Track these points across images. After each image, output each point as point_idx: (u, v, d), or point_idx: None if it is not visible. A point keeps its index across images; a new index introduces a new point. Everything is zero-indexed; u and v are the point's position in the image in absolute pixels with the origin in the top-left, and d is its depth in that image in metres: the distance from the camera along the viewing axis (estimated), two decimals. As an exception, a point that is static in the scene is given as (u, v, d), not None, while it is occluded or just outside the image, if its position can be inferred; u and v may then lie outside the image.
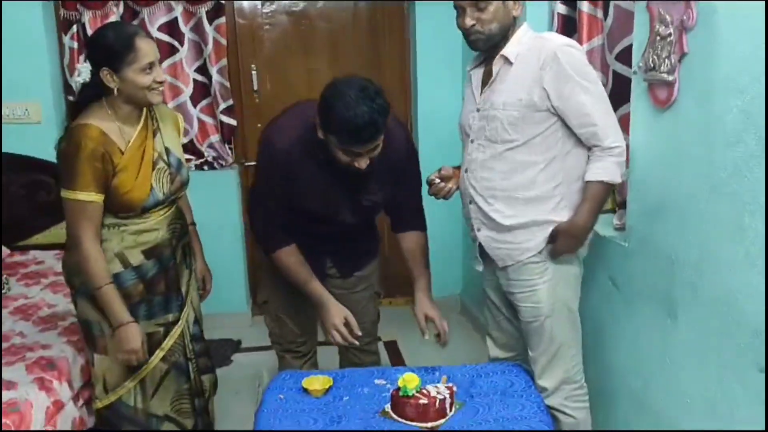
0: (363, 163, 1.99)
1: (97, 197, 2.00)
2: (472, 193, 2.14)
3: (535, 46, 2.00)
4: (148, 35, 2.03)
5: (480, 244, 2.18)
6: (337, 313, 2.18)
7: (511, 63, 2.02)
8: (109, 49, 1.97)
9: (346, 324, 2.18)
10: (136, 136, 2.07)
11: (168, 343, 2.21)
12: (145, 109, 2.11)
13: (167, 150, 2.16)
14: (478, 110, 2.10)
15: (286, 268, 2.21)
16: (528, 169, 2.03)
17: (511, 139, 2.02)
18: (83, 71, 2.10)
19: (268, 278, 2.42)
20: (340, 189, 2.13)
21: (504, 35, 2.03)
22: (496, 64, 2.05)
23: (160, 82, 2.03)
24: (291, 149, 2.08)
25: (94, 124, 1.99)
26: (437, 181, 2.19)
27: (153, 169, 2.09)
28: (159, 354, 2.19)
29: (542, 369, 2.15)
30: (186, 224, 2.30)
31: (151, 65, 1.99)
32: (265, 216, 2.19)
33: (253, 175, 2.22)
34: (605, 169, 1.97)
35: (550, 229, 2.04)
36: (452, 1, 2.04)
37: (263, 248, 2.25)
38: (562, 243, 2.03)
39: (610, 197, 2.41)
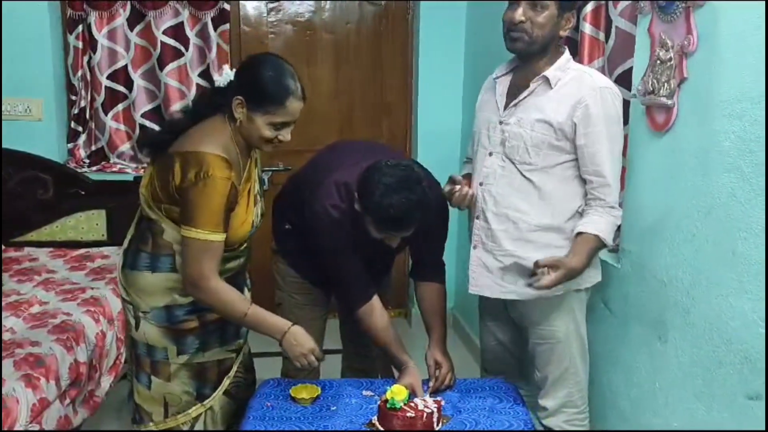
0: (394, 243, 2.08)
1: (223, 235, 1.86)
2: (484, 208, 2.09)
3: (578, 79, 1.96)
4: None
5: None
6: (412, 380, 2.12)
7: (550, 86, 1.98)
8: (258, 87, 1.84)
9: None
10: (247, 168, 1.97)
11: (233, 369, 2.15)
12: None
13: (259, 179, 2.07)
14: (500, 122, 2.05)
15: (371, 328, 2.19)
16: (540, 195, 2.00)
17: (530, 161, 1.98)
18: (226, 76, 1.92)
19: (282, 282, 2.44)
20: (376, 246, 2.13)
21: (544, 48, 1.97)
22: (535, 82, 1.99)
23: (282, 141, 1.91)
24: (343, 218, 2.09)
25: (224, 157, 1.83)
26: (457, 188, 2.10)
27: (255, 204, 2.01)
28: (226, 382, 2.12)
29: (546, 390, 2.15)
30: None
31: (284, 125, 1.89)
32: (344, 269, 2.17)
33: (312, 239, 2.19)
34: (605, 226, 1.95)
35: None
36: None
37: (349, 305, 2.22)
38: (559, 277, 1.91)
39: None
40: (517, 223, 2.03)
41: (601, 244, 1.98)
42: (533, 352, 2.15)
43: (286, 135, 1.90)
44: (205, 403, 2.09)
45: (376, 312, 2.18)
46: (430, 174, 2.13)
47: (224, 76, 1.93)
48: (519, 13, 1.93)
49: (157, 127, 3.84)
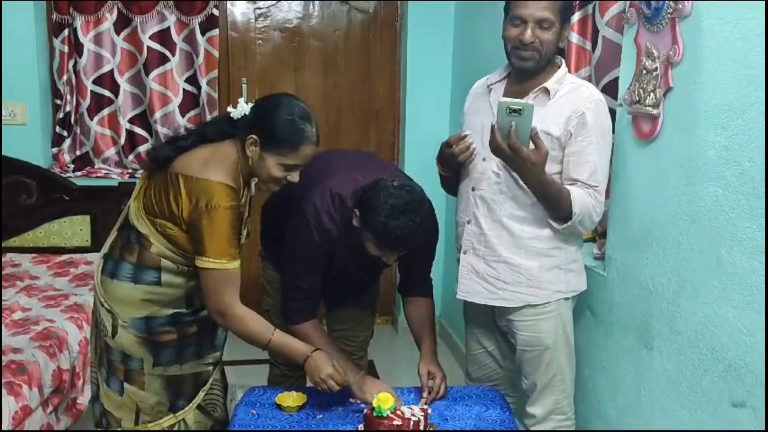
0: (391, 260, 2.07)
1: (238, 261, 1.87)
2: (476, 213, 2.08)
3: (575, 91, 1.97)
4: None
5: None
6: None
7: (549, 97, 1.98)
8: (274, 129, 1.85)
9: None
10: (245, 194, 1.97)
11: (209, 382, 2.12)
12: None
13: (251, 201, 2.06)
14: None
15: (305, 336, 2.16)
16: (534, 203, 1.99)
17: None
18: (241, 109, 1.92)
19: (270, 288, 2.44)
20: (366, 261, 2.12)
21: (548, 62, 1.98)
22: (534, 92, 1.99)
23: (289, 182, 1.92)
24: (331, 227, 2.08)
25: (232, 186, 1.84)
26: (463, 135, 2.06)
27: (244, 227, 2.00)
28: (201, 395, 2.10)
29: (534, 397, 2.15)
30: None
31: (295, 167, 1.90)
32: (296, 289, 2.17)
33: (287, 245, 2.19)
34: (581, 195, 1.93)
35: (542, 285, 2.04)
36: (502, 1, 1.98)
37: (288, 315, 2.22)
38: (518, 155, 1.86)
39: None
40: (511, 230, 2.03)
41: (566, 207, 1.93)
42: (520, 359, 2.15)
43: (294, 177, 1.92)
44: (177, 414, 2.07)
45: (312, 328, 2.16)
46: (423, 192, 2.12)
47: (239, 108, 1.93)
48: (528, 35, 1.91)
49: (144, 133, 3.84)
